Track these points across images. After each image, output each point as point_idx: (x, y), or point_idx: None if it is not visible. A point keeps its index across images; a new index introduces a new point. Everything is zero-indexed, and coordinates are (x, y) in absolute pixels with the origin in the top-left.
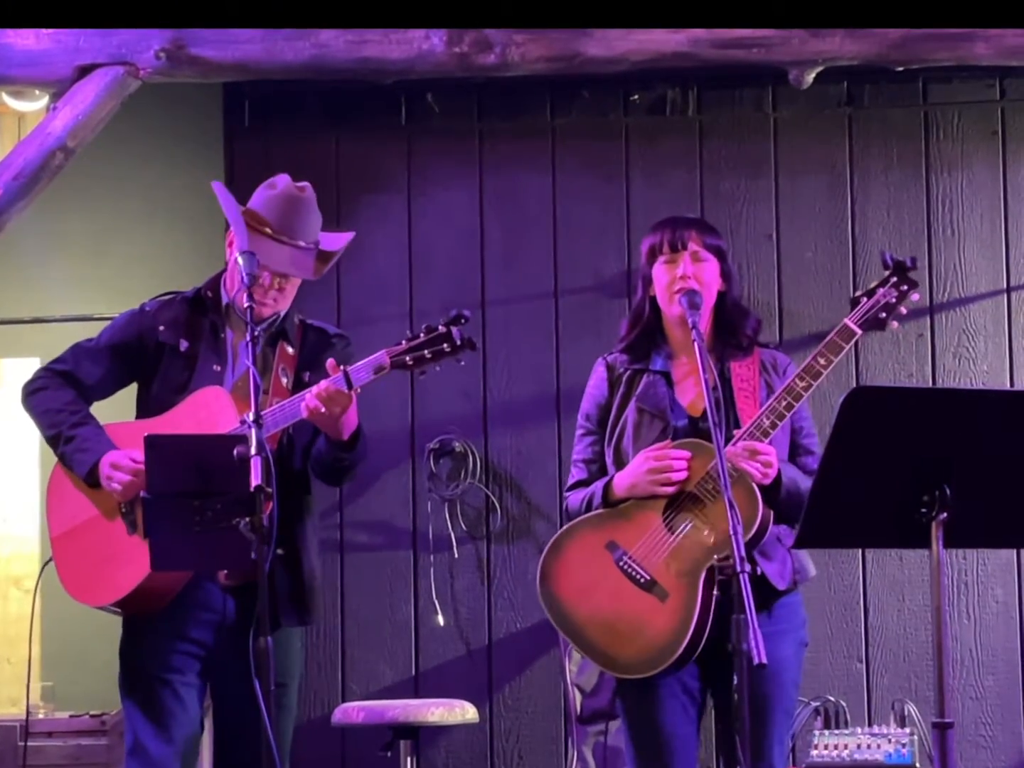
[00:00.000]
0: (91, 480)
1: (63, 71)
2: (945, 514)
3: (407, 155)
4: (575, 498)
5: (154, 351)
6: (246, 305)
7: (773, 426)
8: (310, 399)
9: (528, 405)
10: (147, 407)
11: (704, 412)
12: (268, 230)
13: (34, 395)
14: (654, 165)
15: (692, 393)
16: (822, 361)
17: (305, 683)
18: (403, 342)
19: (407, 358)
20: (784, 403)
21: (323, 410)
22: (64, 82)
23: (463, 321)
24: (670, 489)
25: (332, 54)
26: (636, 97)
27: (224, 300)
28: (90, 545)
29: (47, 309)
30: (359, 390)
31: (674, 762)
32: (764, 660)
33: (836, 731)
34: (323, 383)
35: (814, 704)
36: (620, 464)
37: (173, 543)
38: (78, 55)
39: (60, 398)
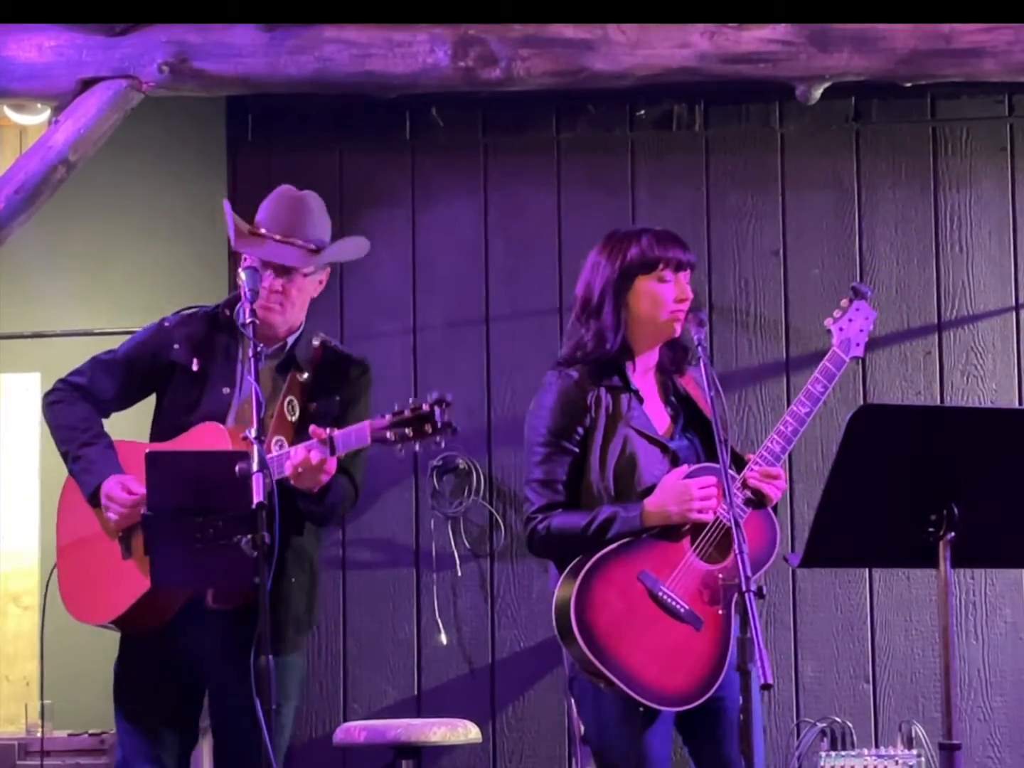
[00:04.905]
0: (94, 502)
1: (65, 84)
2: (953, 533)
3: (411, 169)
4: (565, 520)
5: (167, 369)
6: (248, 320)
7: (783, 450)
8: (289, 465)
9: None
10: (158, 423)
11: (673, 434)
12: (263, 231)
13: (50, 408)
14: (660, 180)
15: (657, 411)
16: (819, 387)
17: (306, 702)
18: (387, 416)
19: (388, 434)
20: (791, 428)
21: (303, 479)
22: (66, 95)
23: (446, 404)
24: (708, 516)
25: (336, 68)
26: (642, 112)
27: (239, 320)
28: (90, 561)
29: (48, 324)
30: (341, 456)
31: None
32: (771, 680)
33: (842, 752)
34: (305, 453)
35: (820, 725)
36: (620, 489)
37: (174, 560)
38: (80, 68)
39: (74, 414)
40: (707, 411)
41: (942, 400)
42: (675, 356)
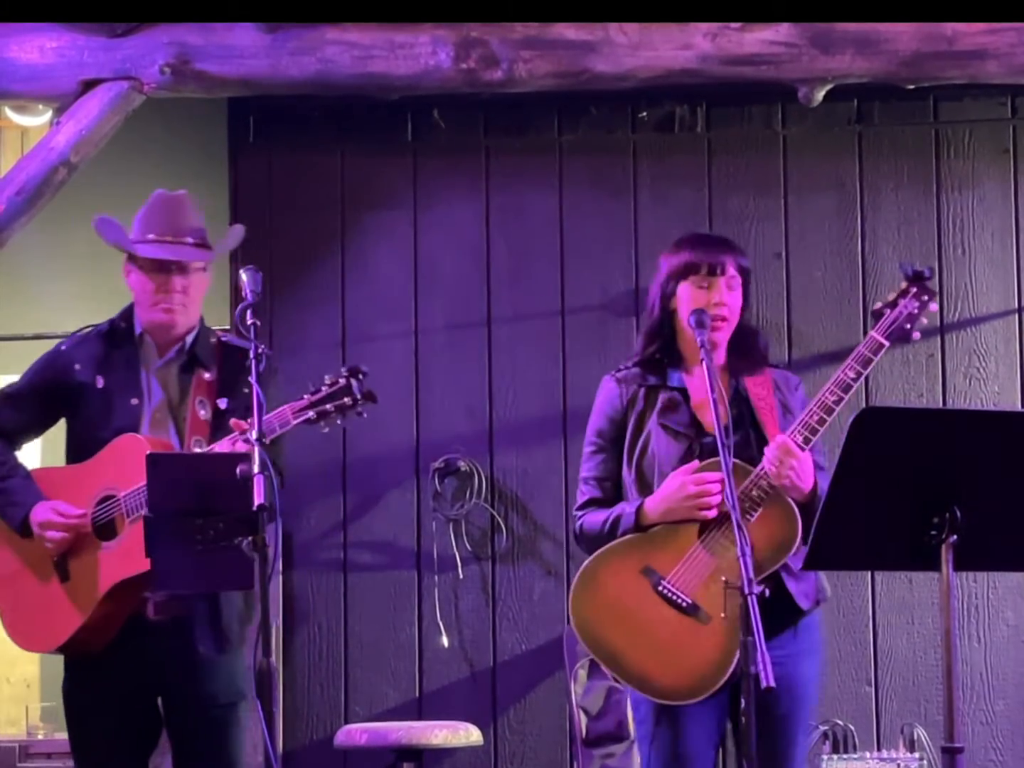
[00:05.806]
0: (24, 532)
1: (67, 86)
2: (955, 536)
3: (413, 171)
4: (592, 519)
5: (73, 390)
6: (250, 322)
7: (807, 441)
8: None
9: (534, 424)
10: (73, 446)
11: (724, 429)
12: (152, 236)
13: None
14: (662, 182)
15: (710, 410)
16: (851, 374)
17: (307, 704)
18: (305, 397)
19: (310, 413)
20: (816, 417)
21: None
22: (68, 97)
23: (361, 375)
24: (710, 513)
25: (337, 69)
26: (644, 114)
27: (137, 330)
28: (27, 591)
29: (49, 325)
30: (267, 442)
31: None
32: (772, 683)
33: (844, 755)
34: (230, 447)
35: (822, 728)
36: (643, 483)
37: (175, 563)
38: (82, 70)
39: None
40: (760, 413)
41: (944, 403)
42: (744, 357)
